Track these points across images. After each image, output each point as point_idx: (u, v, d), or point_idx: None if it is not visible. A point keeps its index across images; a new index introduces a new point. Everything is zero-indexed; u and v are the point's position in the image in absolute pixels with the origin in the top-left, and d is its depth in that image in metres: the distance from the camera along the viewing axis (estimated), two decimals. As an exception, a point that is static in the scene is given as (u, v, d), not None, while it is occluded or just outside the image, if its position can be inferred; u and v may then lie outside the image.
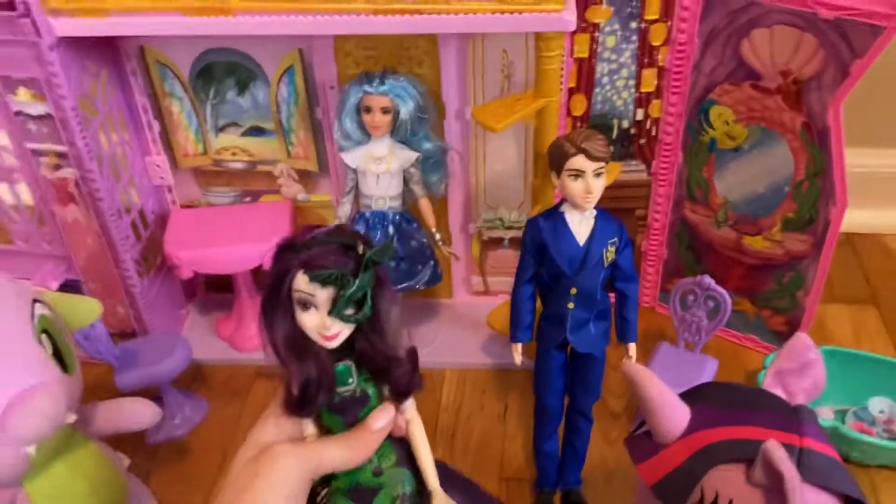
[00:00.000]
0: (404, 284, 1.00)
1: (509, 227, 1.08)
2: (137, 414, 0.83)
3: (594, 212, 0.80)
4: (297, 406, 0.50)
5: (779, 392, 0.63)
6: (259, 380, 1.10)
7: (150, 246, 1.09)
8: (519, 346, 0.85)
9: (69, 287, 1.04)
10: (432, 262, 1.01)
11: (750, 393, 0.62)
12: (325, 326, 0.47)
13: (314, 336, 0.48)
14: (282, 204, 1.09)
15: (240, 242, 1.03)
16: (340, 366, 0.50)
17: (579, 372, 0.85)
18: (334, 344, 0.48)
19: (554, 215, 0.81)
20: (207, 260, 1.03)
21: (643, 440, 0.63)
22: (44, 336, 0.70)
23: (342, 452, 0.49)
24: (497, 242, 1.11)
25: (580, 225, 0.80)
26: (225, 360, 1.12)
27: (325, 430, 0.52)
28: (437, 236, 1.00)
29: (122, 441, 0.84)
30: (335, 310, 0.47)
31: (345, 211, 0.99)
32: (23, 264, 1.03)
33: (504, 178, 1.05)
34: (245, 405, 1.06)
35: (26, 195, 0.98)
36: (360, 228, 0.98)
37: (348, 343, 0.50)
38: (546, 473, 0.90)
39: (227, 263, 1.04)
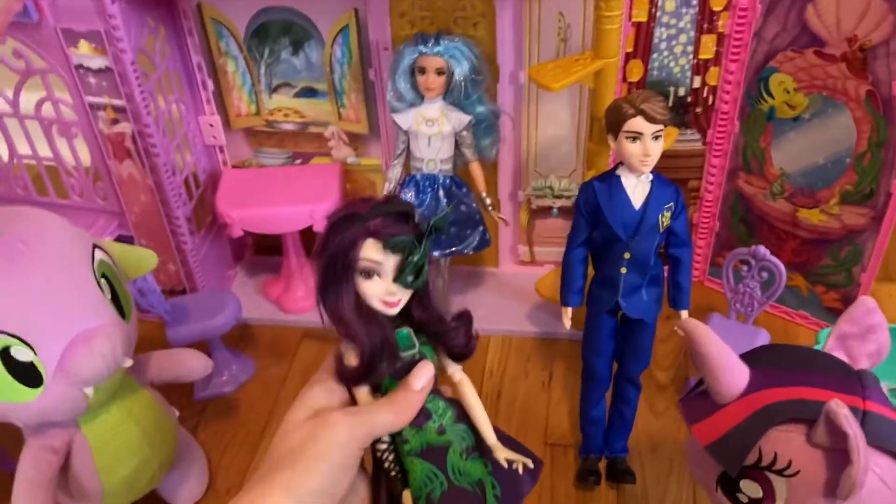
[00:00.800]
0: (453, 248, 1.00)
1: (558, 196, 1.08)
2: (189, 364, 0.84)
3: (650, 176, 0.79)
4: (361, 375, 0.50)
5: (841, 356, 0.62)
6: (305, 341, 1.11)
7: (202, 205, 1.10)
8: (569, 310, 0.85)
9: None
10: (481, 228, 1.00)
11: (812, 355, 0.61)
12: (390, 293, 0.48)
13: (375, 304, 0.48)
14: (332, 167, 1.09)
15: (290, 203, 1.04)
16: (401, 331, 0.51)
17: (629, 338, 0.84)
18: (396, 310, 0.49)
19: (609, 178, 0.80)
20: (258, 219, 1.04)
21: (699, 400, 0.62)
22: (103, 281, 0.71)
23: (390, 417, 0.49)
24: (545, 211, 1.10)
25: (636, 189, 0.79)
26: (272, 320, 1.13)
27: (380, 394, 0.52)
28: (488, 201, 0.99)
29: (170, 395, 0.86)
30: (401, 277, 0.47)
31: (395, 173, 0.99)
32: (77, 219, 1.02)
33: (556, 144, 1.04)
34: (291, 366, 1.07)
35: (84, 150, 1.00)
36: (410, 191, 0.98)
37: (402, 311, 0.50)
38: (592, 440, 0.89)
39: (276, 223, 1.05)
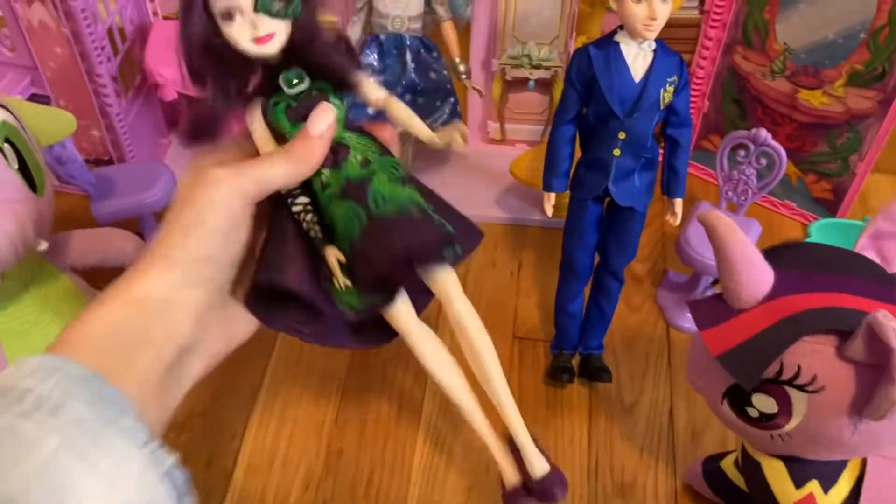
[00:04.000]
0: (420, 121, 0.89)
1: (536, 67, 0.96)
2: (118, 245, 0.74)
3: (653, 44, 0.69)
4: (207, 116, 0.43)
5: (873, 257, 0.55)
6: (250, 220, 1.00)
7: (129, 62, 0.96)
8: (552, 195, 0.76)
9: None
10: (452, 99, 0.89)
11: (843, 256, 0.53)
12: (255, 27, 0.41)
13: (249, 47, 0.42)
14: (280, 23, 0.95)
15: (232, 63, 0.91)
16: (290, 71, 0.44)
17: (616, 228, 0.76)
18: (273, 47, 0.42)
19: (607, 45, 0.70)
20: (195, 80, 0.91)
21: (712, 303, 0.54)
22: (7, 146, 0.59)
23: (285, 167, 0.43)
24: (520, 84, 0.99)
25: (637, 59, 0.69)
26: (212, 196, 1.02)
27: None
28: (461, 68, 0.88)
29: (96, 281, 0.75)
30: (259, 4, 0.41)
31: (354, 32, 0.87)
32: (-20, 73, 0.90)
33: (538, 6, 0.91)
34: (234, 247, 0.97)
35: (-17, -11, 0.84)
36: (373, 54, 0.86)
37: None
38: (567, 335, 0.83)
39: (217, 86, 0.92)
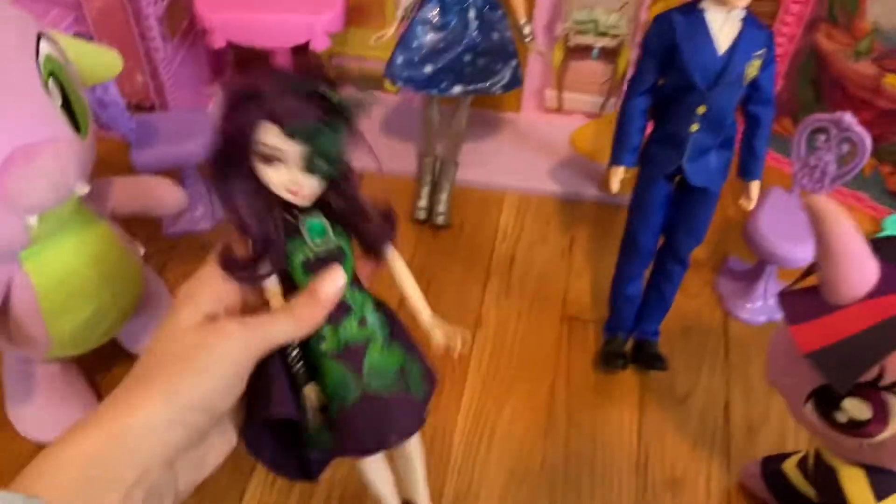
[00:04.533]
0: (479, 85, 0.84)
1: (602, 34, 0.91)
2: (160, 193, 0.70)
3: (742, 13, 0.64)
4: (244, 267, 0.43)
5: None
6: (292, 178, 0.96)
7: (176, 5, 0.91)
8: (620, 170, 0.71)
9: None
10: (514, 62, 0.84)
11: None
12: (295, 183, 0.41)
13: (282, 192, 0.42)
14: (337, -28, 0.90)
15: (285, 11, 0.86)
16: (314, 222, 0.44)
17: (686, 209, 0.72)
18: (306, 199, 0.43)
19: (692, 12, 0.65)
20: (245, 28, 0.87)
21: (805, 296, 0.50)
22: (51, 82, 0.55)
23: (289, 328, 0.43)
24: (584, 51, 0.94)
25: (723, 28, 0.64)
26: (254, 151, 0.98)
27: (292, 292, 0.45)
28: (526, 30, 0.83)
29: (134, 228, 0.72)
30: (308, 165, 0.41)
31: (417, -14, 0.82)
32: (20, 6, 0.86)
33: (610, -32, 0.86)
34: (275, 205, 0.93)
35: (30, -82, 0.80)
36: (435, 9, 0.81)
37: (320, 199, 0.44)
38: (622, 318, 0.78)
39: (268, 35, 0.88)
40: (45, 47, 0.55)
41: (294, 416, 0.45)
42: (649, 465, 0.73)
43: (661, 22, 0.66)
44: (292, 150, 0.40)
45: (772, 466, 0.67)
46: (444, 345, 0.47)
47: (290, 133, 0.40)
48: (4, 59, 0.52)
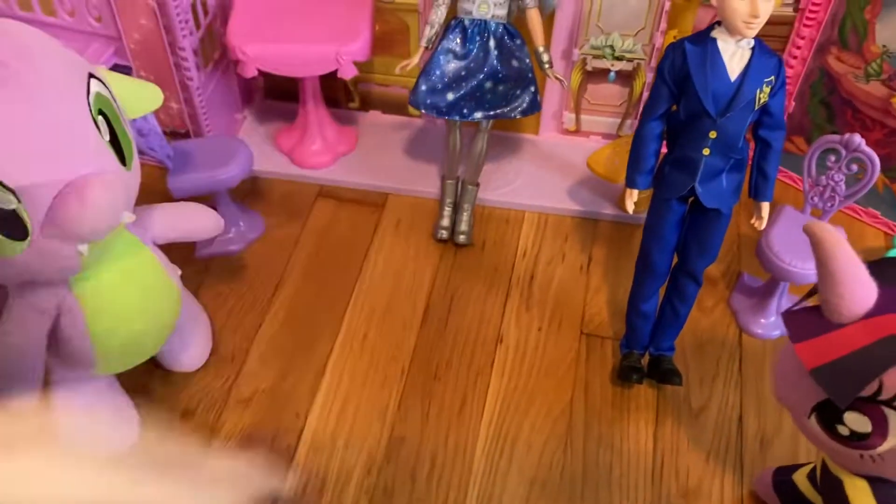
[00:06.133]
0: (499, 111, 0.88)
1: (619, 58, 0.94)
2: (200, 222, 0.74)
3: (752, 42, 0.67)
4: None
5: (984, 278, 0.52)
6: (320, 200, 1.00)
7: (209, 37, 0.96)
8: (635, 192, 0.74)
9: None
10: (533, 88, 0.88)
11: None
12: None
13: None
14: (362, 2, 0.94)
15: (313, 42, 0.90)
16: None
17: (699, 229, 0.74)
18: None
19: (704, 41, 0.68)
20: (275, 58, 0.91)
21: (808, 315, 0.53)
22: (100, 119, 0.59)
23: None
24: (601, 75, 0.97)
25: (734, 56, 0.67)
26: (284, 174, 1.02)
27: None
28: (545, 58, 0.86)
29: (169, 251, 0.76)
30: None
31: (439, 16, 0.85)
32: (65, 43, 0.90)
33: (626, -4, 0.89)
34: (304, 227, 0.97)
35: (74, -42, 0.85)
36: (456, 38, 0.85)
37: None
38: (638, 335, 0.81)
39: (297, 65, 0.92)
40: (95, 86, 0.60)
41: None
42: (665, 476, 0.76)
43: (674, 51, 0.69)
44: None
45: (782, 477, 0.70)
46: None
47: None
48: (59, 98, 0.56)
